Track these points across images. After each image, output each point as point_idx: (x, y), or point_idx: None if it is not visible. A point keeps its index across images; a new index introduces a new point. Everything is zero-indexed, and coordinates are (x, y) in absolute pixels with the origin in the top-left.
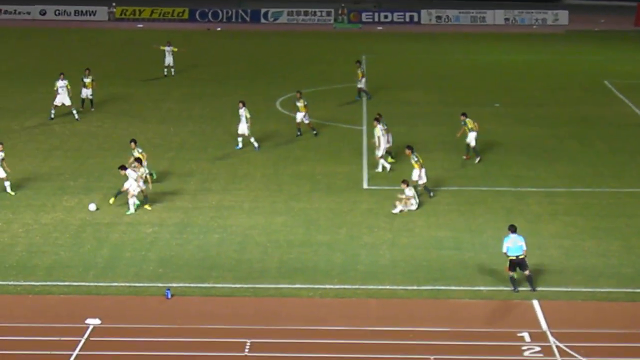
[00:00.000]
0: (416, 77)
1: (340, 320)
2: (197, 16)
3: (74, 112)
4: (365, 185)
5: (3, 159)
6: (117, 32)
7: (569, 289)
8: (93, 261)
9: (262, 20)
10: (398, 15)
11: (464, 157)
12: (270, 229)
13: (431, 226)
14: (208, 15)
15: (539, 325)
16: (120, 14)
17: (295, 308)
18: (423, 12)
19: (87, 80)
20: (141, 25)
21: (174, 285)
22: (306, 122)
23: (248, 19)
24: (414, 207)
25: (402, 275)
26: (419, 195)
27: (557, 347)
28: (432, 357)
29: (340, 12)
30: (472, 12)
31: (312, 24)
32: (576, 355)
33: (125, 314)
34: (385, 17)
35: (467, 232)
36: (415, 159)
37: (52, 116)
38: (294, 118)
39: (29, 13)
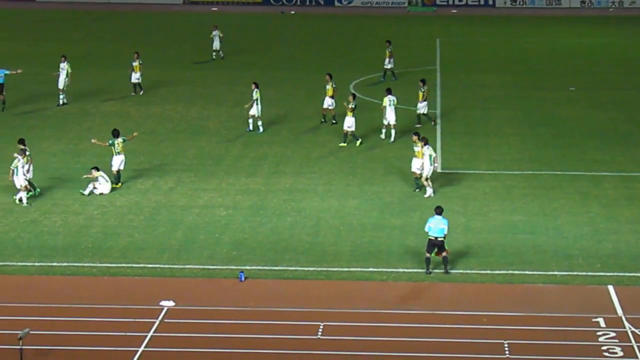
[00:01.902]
0: (490, 60)
1: (412, 304)
2: None
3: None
4: (439, 169)
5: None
6: (191, 15)
7: None
8: (167, 243)
9: (336, 4)
10: None
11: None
12: (344, 212)
13: (505, 210)
14: None
15: (614, 311)
16: None
17: (368, 291)
18: None
19: (135, 64)
20: (215, 9)
21: (247, 267)
22: (330, 107)
23: (322, 2)
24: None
25: (476, 259)
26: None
27: (633, 332)
28: (505, 342)
29: None
30: None
31: (385, 7)
32: None
33: (198, 296)
34: (460, 0)
35: (542, 217)
36: (418, 149)
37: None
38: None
39: None
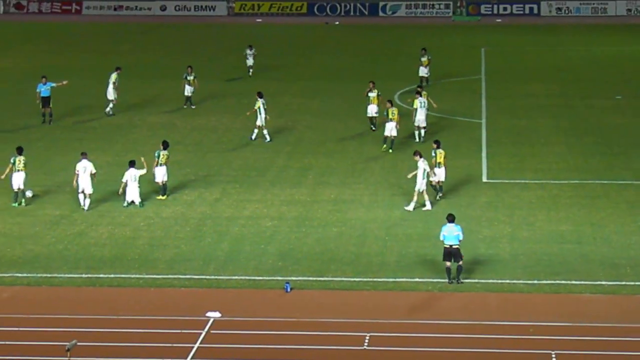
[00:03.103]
0: (536, 69)
1: (459, 314)
2: (316, 10)
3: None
4: (484, 179)
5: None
6: (236, 26)
7: None
8: (213, 254)
9: (380, 14)
10: (517, 7)
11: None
12: (389, 223)
13: (552, 220)
14: (326, 9)
15: None
16: (240, 9)
17: (414, 302)
18: (543, 3)
19: (191, 78)
20: (260, 20)
21: (293, 278)
22: (375, 115)
23: (366, 12)
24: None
25: (523, 269)
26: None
27: None
28: (553, 353)
29: (459, 4)
30: (593, 3)
31: (430, 17)
32: None
33: (245, 307)
34: (505, 9)
35: (589, 226)
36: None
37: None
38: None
39: (149, 9)
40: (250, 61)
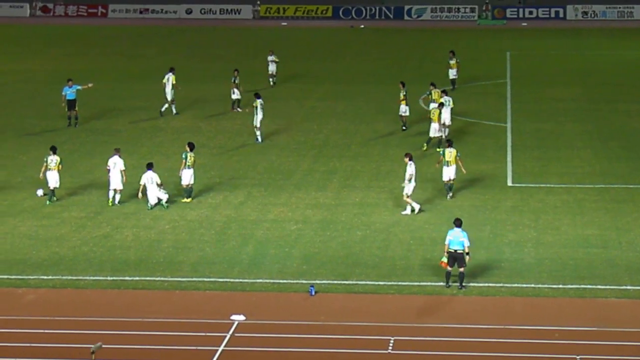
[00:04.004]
0: (561, 73)
1: (484, 319)
2: (341, 13)
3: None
4: (509, 183)
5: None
6: (261, 29)
7: None
8: (238, 257)
9: (406, 17)
10: (543, 10)
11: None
12: (414, 226)
13: (577, 224)
14: (352, 12)
15: None
16: (265, 12)
17: (439, 305)
18: (569, 7)
19: (238, 81)
20: (285, 24)
21: (318, 282)
22: (405, 114)
23: (391, 15)
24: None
25: (548, 273)
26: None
27: None
28: (578, 357)
29: (484, 8)
30: (619, 7)
31: (455, 21)
32: None
33: (269, 311)
34: (530, 12)
35: (614, 230)
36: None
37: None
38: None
39: (175, 12)
40: (272, 67)
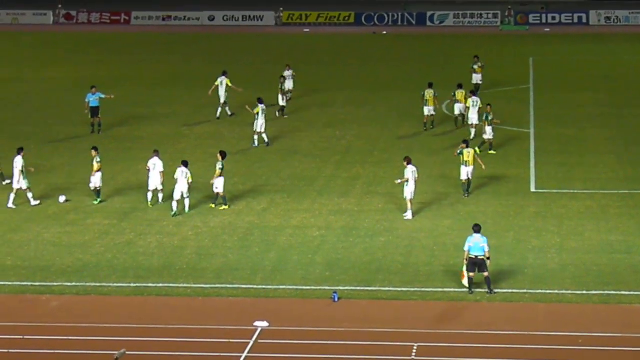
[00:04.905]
0: (584, 78)
1: (508, 325)
2: (363, 20)
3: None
4: (533, 189)
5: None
6: (284, 36)
7: None
8: (261, 264)
9: (428, 23)
10: (566, 16)
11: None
12: (437, 232)
13: (601, 230)
14: (374, 19)
15: None
16: (287, 19)
17: (462, 312)
18: (592, 12)
19: (285, 88)
20: (307, 30)
21: (341, 288)
22: (432, 114)
23: (414, 22)
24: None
25: (572, 279)
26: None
27: None
28: None
29: (507, 14)
30: None
31: (478, 27)
32: None
33: (292, 317)
34: (553, 18)
35: (638, 236)
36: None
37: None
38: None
39: (198, 19)
40: (289, 83)
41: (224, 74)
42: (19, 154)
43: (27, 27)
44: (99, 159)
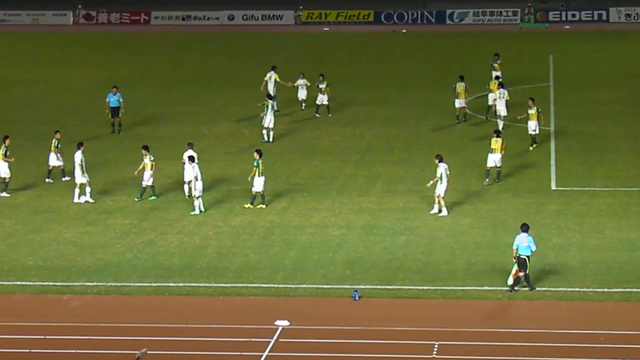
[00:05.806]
0: (605, 76)
1: (529, 323)
2: (383, 18)
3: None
4: (553, 186)
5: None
6: (303, 35)
7: None
8: (281, 263)
9: (448, 21)
10: (586, 13)
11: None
12: (457, 231)
13: (622, 227)
14: (393, 17)
15: None
16: (307, 18)
17: (483, 310)
18: (612, 10)
19: (323, 86)
20: (327, 29)
21: (361, 287)
22: (463, 106)
23: (433, 20)
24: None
25: (593, 277)
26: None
27: None
28: None
29: (526, 11)
30: None
31: (498, 24)
32: None
33: (313, 316)
34: (573, 15)
35: None
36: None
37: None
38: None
39: (217, 18)
40: (302, 93)
41: (273, 68)
42: (78, 148)
43: (47, 28)
44: (152, 157)
